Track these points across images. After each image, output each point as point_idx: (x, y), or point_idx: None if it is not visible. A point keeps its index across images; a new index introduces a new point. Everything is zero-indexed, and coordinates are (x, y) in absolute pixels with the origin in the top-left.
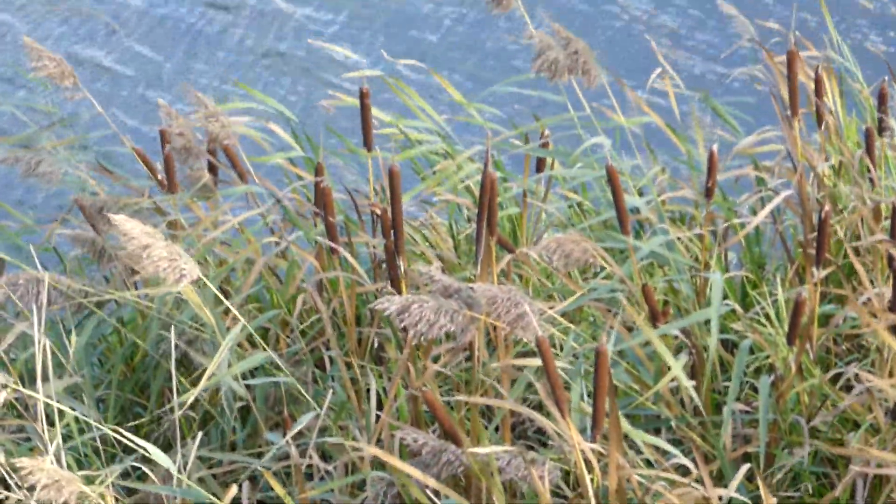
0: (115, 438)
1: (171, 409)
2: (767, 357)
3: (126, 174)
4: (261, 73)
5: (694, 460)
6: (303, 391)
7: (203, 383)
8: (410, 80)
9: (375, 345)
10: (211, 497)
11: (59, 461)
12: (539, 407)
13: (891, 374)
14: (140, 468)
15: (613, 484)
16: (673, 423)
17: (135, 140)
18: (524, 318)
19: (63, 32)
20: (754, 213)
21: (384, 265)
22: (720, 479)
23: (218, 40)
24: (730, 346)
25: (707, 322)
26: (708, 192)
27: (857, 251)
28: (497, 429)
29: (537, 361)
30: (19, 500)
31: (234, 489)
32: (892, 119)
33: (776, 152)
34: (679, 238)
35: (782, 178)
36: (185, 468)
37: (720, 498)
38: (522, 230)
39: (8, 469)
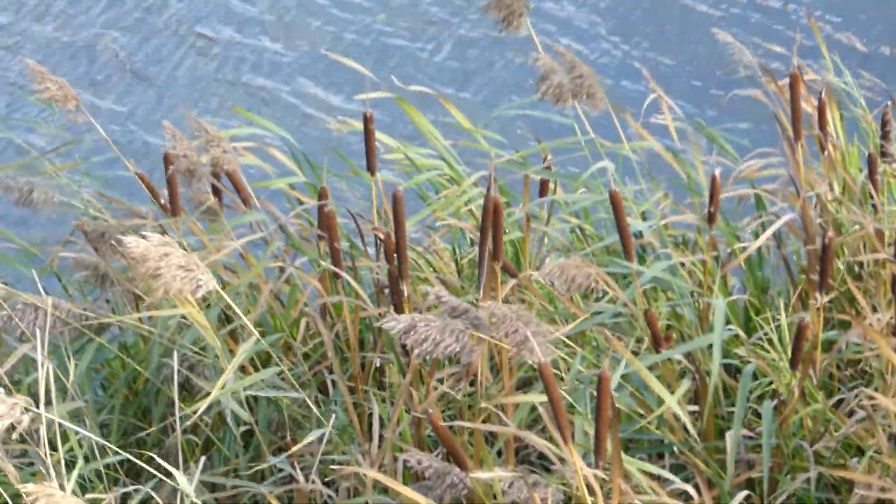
0: (117, 463)
1: (174, 433)
2: (770, 382)
3: (129, 197)
4: (249, 106)
5: (696, 486)
6: (306, 414)
7: (210, 397)
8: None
9: (378, 364)
10: None
11: (63, 486)
12: (543, 429)
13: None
14: (141, 489)
15: None
16: (675, 449)
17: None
18: (531, 339)
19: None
20: (756, 237)
21: (387, 290)
22: None
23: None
24: (733, 371)
25: (710, 347)
26: (710, 218)
27: (859, 277)
28: (500, 453)
29: (542, 397)
30: None
31: None
32: (894, 145)
33: (776, 176)
34: (682, 263)
35: (785, 203)
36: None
37: None
38: (525, 255)
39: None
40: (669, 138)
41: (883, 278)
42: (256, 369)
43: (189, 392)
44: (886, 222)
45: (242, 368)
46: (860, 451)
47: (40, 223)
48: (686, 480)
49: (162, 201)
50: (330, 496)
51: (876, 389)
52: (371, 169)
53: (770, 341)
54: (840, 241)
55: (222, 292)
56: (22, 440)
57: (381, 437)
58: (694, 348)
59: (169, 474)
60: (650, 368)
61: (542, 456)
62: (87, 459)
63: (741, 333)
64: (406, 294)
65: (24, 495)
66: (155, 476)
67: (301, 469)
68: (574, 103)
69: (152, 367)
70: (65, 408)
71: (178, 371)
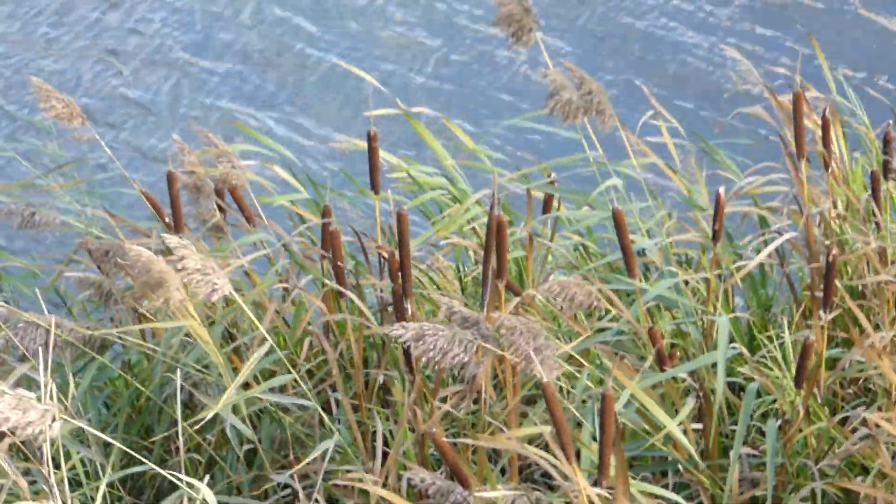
0: (120, 481)
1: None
2: (774, 401)
3: (134, 215)
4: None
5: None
6: (310, 433)
7: (219, 405)
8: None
9: (381, 382)
10: None
11: None
12: (547, 447)
13: None
14: None
15: None
16: (680, 467)
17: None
18: (541, 352)
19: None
20: (759, 254)
21: (391, 307)
22: None
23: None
24: (737, 389)
25: (713, 365)
26: (715, 236)
27: (862, 294)
28: (503, 470)
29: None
30: None
31: None
32: None
33: (778, 192)
34: (686, 281)
35: (788, 221)
36: None
37: None
38: (528, 273)
39: None
40: (665, 157)
41: (887, 296)
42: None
43: (192, 411)
44: (890, 240)
45: (246, 386)
46: (864, 470)
47: (45, 243)
48: (690, 499)
49: (166, 219)
50: None
51: (879, 408)
52: (375, 187)
53: (773, 359)
54: (843, 260)
55: (237, 296)
56: (25, 458)
57: (384, 455)
58: (698, 366)
59: (173, 488)
60: (654, 386)
61: (546, 474)
62: (89, 477)
63: (745, 351)
64: (410, 312)
65: None
66: (158, 494)
67: (304, 488)
68: (584, 119)
69: (154, 383)
70: (67, 427)
71: (182, 389)
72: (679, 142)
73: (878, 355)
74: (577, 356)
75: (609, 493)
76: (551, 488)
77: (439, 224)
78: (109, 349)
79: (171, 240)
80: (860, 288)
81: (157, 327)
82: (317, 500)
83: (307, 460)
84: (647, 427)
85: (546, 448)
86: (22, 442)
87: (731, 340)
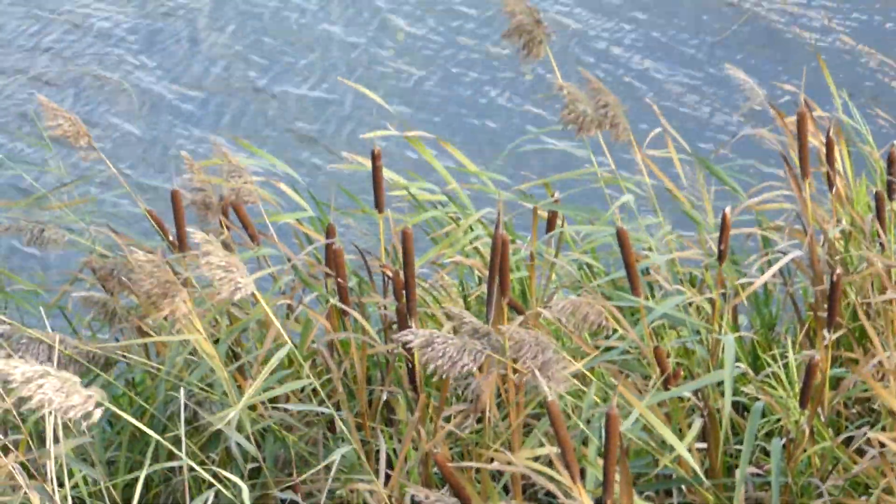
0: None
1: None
2: (779, 420)
3: (138, 233)
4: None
5: None
6: (313, 451)
7: (229, 413)
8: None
9: (385, 400)
10: None
11: None
12: (551, 463)
13: None
14: None
15: None
16: (685, 486)
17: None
18: (550, 367)
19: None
20: (763, 274)
21: (395, 326)
22: None
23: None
24: (741, 408)
25: (718, 384)
26: (720, 255)
27: (866, 315)
28: (507, 489)
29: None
30: None
31: None
32: None
33: (782, 211)
34: (691, 302)
35: (793, 240)
36: None
37: None
38: (532, 291)
39: None
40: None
41: (891, 316)
42: (265, 407)
43: (196, 430)
44: (894, 260)
45: (253, 407)
46: (867, 489)
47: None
48: None
49: (170, 238)
50: None
51: (883, 428)
52: (379, 206)
53: (778, 378)
54: (847, 280)
55: (259, 296)
56: (30, 475)
57: (388, 474)
58: (703, 385)
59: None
60: (660, 405)
61: (549, 493)
62: (91, 496)
63: (749, 371)
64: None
65: None
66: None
67: None
68: (596, 133)
69: (158, 401)
70: (70, 444)
71: (185, 406)
72: (684, 157)
73: (875, 382)
74: (585, 373)
75: None
76: None
77: (442, 243)
78: (114, 367)
79: (198, 234)
80: (865, 308)
81: (162, 341)
82: None
83: (312, 471)
84: (652, 444)
85: (550, 465)
86: (27, 459)
87: (736, 360)
